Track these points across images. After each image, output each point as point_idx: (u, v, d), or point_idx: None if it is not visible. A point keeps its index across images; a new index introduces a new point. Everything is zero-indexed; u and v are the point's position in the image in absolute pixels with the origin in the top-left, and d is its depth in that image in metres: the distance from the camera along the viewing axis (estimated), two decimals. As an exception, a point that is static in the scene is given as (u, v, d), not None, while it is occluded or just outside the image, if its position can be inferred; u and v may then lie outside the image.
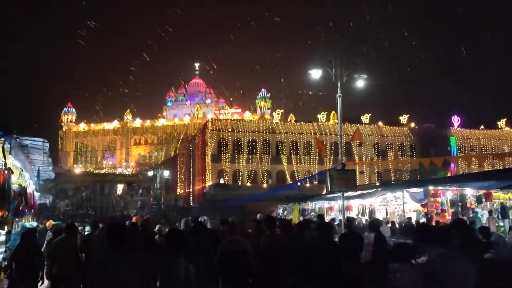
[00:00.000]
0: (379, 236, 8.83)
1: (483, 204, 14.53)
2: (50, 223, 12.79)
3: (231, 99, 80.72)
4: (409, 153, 46.89)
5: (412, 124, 51.23)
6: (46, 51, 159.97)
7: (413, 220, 14.86)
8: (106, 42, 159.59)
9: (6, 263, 8.77)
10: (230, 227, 6.50)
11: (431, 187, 13.82)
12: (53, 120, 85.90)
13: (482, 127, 52.35)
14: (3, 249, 9.33)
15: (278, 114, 51.43)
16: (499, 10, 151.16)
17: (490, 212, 14.22)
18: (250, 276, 5.60)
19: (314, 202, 22.11)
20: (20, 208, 10.51)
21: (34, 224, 14.10)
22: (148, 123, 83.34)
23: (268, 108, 70.84)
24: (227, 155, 42.54)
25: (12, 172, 9.21)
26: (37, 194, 16.48)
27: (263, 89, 72.21)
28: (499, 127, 52.85)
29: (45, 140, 10.73)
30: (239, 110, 74.88)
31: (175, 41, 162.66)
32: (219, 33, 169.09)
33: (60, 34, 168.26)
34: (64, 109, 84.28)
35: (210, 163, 41.99)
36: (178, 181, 54.83)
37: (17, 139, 9.57)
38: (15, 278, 7.39)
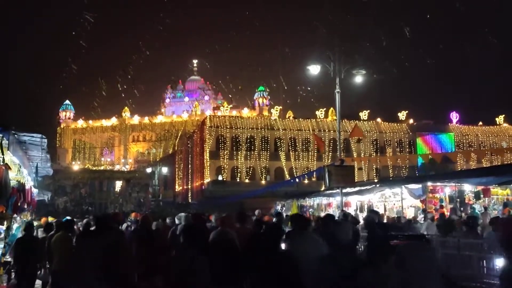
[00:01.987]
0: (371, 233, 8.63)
1: (482, 200, 14.60)
2: (44, 220, 12.80)
3: (230, 95, 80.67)
4: (407, 150, 46.94)
5: (411, 121, 51.25)
6: (44, 48, 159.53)
7: (411, 216, 14.90)
8: (104, 38, 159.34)
9: (5, 259, 8.78)
10: (220, 221, 7.27)
11: (429, 183, 13.86)
12: (51, 117, 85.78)
13: (480, 123, 52.41)
14: (2, 245, 9.33)
15: (277, 110, 51.34)
16: (498, 6, 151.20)
17: (485, 208, 14.30)
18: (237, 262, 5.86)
19: (312, 199, 22.15)
20: (19, 204, 10.49)
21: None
22: (146, 120, 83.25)
23: (267, 105, 70.84)
24: (225, 152, 42.54)
25: (10, 168, 9.18)
26: (35, 191, 16.46)
27: (261, 86, 72.26)
28: (498, 123, 52.92)
29: (43, 136, 10.70)
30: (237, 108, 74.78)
31: (174, 38, 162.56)
32: (218, 29, 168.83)
33: (58, 30, 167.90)
34: (62, 105, 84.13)
35: (208, 160, 41.99)
36: (177, 178, 54.81)
37: (15, 135, 9.55)
38: (17, 271, 7.40)
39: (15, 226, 10.85)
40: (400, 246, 3.00)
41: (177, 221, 9.79)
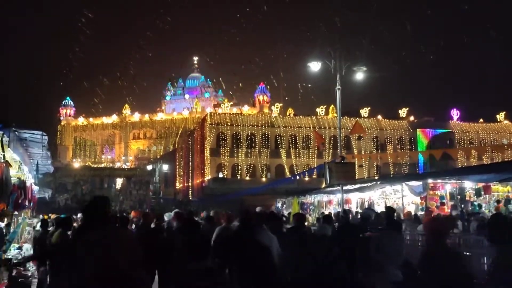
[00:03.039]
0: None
1: (482, 197, 14.60)
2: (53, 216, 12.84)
3: (230, 93, 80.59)
4: (408, 147, 46.93)
5: (412, 118, 51.21)
6: (44, 45, 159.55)
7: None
8: (105, 35, 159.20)
9: (6, 256, 8.78)
10: (225, 217, 8.16)
11: (430, 180, 13.85)
12: (51, 114, 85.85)
13: (481, 120, 52.37)
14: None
15: (277, 108, 51.37)
16: (500, 2, 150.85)
17: (480, 206, 14.35)
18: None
19: (313, 196, 22.15)
20: (20, 201, 10.49)
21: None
22: (147, 117, 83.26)
23: (267, 102, 70.85)
24: (226, 149, 42.53)
25: (10, 165, 9.18)
26: (36, 188, 16.47)
27: (261, 84, 72.30)
28: (498, 120, 52.88)
29: (44, 133, 10.69)
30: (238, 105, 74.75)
31: (175, 35, 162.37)
32: (219, 26, 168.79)
33: (59, 27, 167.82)
34: (63, 102, 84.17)
35: (209, 157, 41.99)
36: (177, 175, 54.84)
37: (16, 132, 9.54)
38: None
39: (18, 223, 10.87)
40: (376, 235, 4.04)
41: (166, 218, 9.71)
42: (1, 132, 8.52)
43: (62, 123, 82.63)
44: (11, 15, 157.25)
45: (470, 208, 13.91)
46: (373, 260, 3.04)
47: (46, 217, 14.99)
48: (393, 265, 2.97)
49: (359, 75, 16.50)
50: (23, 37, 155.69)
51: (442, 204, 14.06)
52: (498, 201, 14.19)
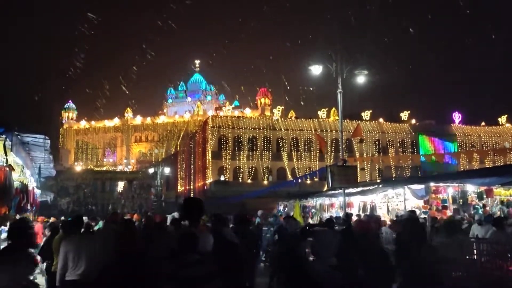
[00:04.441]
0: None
1: (484, 201, 14.56)
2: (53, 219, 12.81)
3: (236, 97, 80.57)
4: (410, 150, 46.89)
5: (413, 121, 51.18)
6: (47, 48, 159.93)
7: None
8: (107, 39, 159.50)
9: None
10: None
11: (432, 184, 13.80)
12: (54, 118, 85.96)
13: (483, 123, 52.32)
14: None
15: (279, 110, 51.37)
16: (501, 5, 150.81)
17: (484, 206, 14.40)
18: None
19: (315, 199, 22.11)
20: (22, 205, 10.50)
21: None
22: (148, 120, 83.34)
23: (269, 105, 70.90)
24: (227, 152, 42.56)
25: (13, 169, 9.19)
26: (38, 192, 16.47)
27: (263, 87, 72.45)
28: (500, 123, 52.83)
29: (46, 137, 10.70)
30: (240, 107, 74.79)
31: (176, 37, 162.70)
32: (220, 29, 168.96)
33: (61, 30, 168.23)
34: (65, 105, 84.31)
35: (210, 160, 42.01)
36: (179, 178, 54.84)
37: (18, 136, 9.55)
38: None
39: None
40: (316, 229, 5.71)
41: (169, 220, 9.93)
42: (4, 136, 8.52)
43: (64, 127, 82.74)
44: (15, 17, 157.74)
45: (472, 212, 13.87)
46: (313, 249, 4.13)
47: (46, 220, 14.98)
48: (328, 253, 4.00)
49: (361, 78, 16.48)
50: (26, 40, 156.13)
51: (445, 207, 14.02)
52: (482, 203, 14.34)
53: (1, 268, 4.27)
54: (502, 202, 15.02)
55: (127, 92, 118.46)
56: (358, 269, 4.93)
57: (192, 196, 45.43)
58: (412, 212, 11.67)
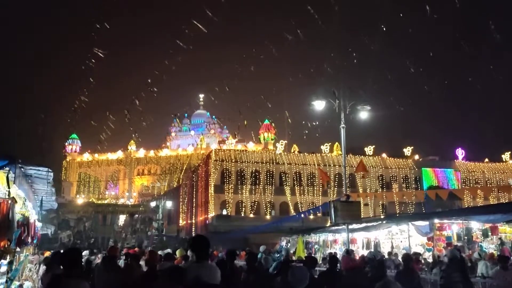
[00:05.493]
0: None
1: (489, 238, 14.38)
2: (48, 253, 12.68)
3: (237, 131, 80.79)
4: (413, 185, 46.64)
5: (416, 156, 51.12)
6: (52, 81, 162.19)
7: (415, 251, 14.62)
8: (113, 73, 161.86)
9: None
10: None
11: (436, 220, 13.68)
12: (57, 150, 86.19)
13: (486, 160, 52.22)
14: (4, 280, 9.21)
15: (282, 145, 51.47)
16: (502, 40, 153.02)
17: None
18: None
19: (318, 235, 21.89)
20: (23, 238, 10.40)
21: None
22: (151, 153, 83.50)
23: (272, 139, 71.09)
24: (230, 186, 42.40)
25: (16, 202, 9.16)
26: (39, 224, 16.36)
27: (266, 119, 72.95)
28: (504, 160, 52.73)
29: (50, 170, 10.72)
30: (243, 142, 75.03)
31: (181, 73, 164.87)
32: (225, 64, 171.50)
33: (67, 63, 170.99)
34: (68, 139, 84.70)
35: (213, 194, 41.81)
36: (181, 212, 54.45)
37: (22, 168, 9.57)
38: None
39: (20, 260, 10.75)
40: (292, 266, 6.22)
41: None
42: (7, 168, 8.54)
43: (68, 159, 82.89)
44: (19, 48, 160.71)
45: (477, 250, 13.68)
46: (290, 282, 4.88)
47: (48, 253, 14.84)
48: (301, 286, 4.80)
49: (363, 114, 16.59)
50: (32, 73, 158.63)
51: (449, 245, 13.83)
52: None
53: None
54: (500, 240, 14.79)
55: (131, 126, 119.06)
56: None
57: (194, 230, 45.06)
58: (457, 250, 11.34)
